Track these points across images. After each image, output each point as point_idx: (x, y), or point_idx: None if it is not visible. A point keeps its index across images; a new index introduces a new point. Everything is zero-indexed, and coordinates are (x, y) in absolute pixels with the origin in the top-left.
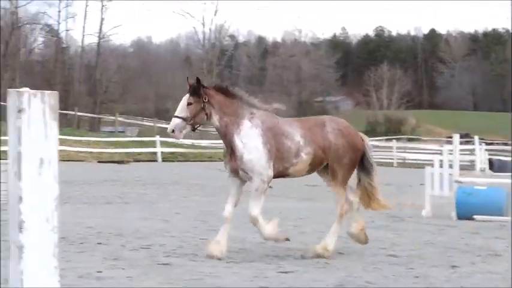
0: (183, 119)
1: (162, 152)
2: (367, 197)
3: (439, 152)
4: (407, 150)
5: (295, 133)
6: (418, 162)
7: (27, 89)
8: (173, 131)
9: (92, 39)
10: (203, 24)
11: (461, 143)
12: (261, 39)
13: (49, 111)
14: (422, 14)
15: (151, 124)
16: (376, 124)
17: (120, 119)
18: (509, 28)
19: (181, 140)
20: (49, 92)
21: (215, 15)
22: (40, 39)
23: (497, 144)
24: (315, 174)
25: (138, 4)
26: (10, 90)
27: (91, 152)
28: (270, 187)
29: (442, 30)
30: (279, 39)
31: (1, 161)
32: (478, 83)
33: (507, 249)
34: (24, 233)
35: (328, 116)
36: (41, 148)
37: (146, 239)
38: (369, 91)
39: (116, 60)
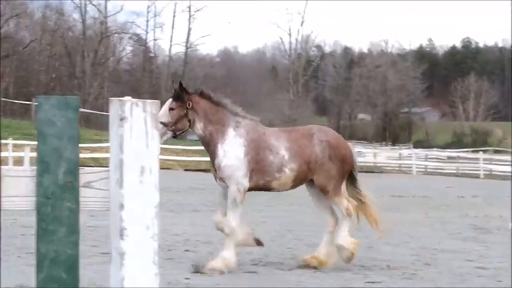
0: (164, 124)
1: None
2: (363, 208)
3: None
4: (493, 162)
5: (280, 146)
6: (505, 174)
7: (129, 98)
8: None
9: (179, 49)
10: (289, 35)
11: None
12: (347, 50)
13: (150, 120)
14: (510, 25)
15: None
16: (463, 136)
17: None
18: None
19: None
20: (150, 101)
21: (301, 25)
22: (128, 49)
23: None
24: None
25: (225, 14)
26: (113, 99)
27: (178, 160)
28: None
29: None
30: (365, 50)
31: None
32: None
33: None
34: (126, 240)
35: (317, 126)
36: (142, 156)
37: None
38: (455, 102)
39: (202, 69)
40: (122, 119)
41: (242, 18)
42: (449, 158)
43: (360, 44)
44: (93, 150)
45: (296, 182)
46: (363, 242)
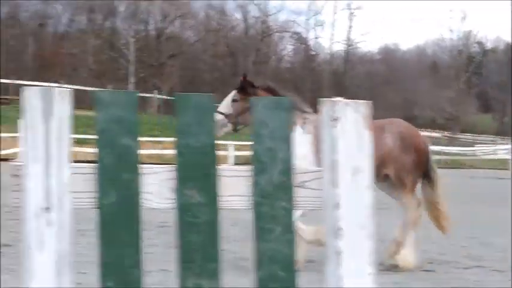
0: (225, 115)
1: None
2: (434, 209)
3: None
4: None
5: None
6: None
7: (340, 98)
8: None
9: (339, 47)
10: (450, 31)
11: None
12: (510, 46)
13: (362, 120)
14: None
15: None
16: None
17: None
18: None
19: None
20: (362, 101)
21: (462, 22)
22: (289, 47)
23: None
24: None
25: (385, 11)
26: (324, 99)
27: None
28: None
29: None
30: None
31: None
32: None
33: None
34: (342, 239)
35: (389, 119)
36: (354, 157)
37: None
38: None
39: (363, 67)
40: (334, 120)
41: (402, 15)
42: None
43: None
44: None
45: None
46: None
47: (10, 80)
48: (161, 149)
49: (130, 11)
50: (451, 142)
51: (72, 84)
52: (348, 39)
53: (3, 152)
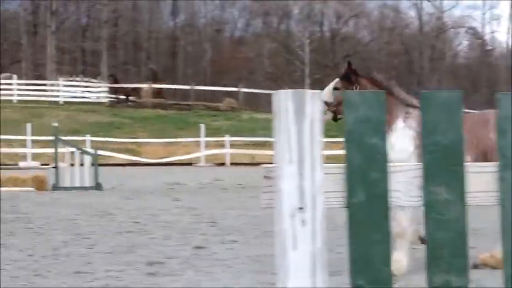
0: (326, 103)
1: None
2: None
3: None
4: None
5: None
6: None
7: None
8: None
9: None
10: None
11: None
12: None
13: None
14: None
15: None
16: None
17: None
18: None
19: None
20: None
21: None
22: (464, 43)
23: None
24: None
25: None
26: (502, 93)
27: None
28: None
29: None
30: None
31: None
32: None
33: None
34: None
35: (494, 110)
36: None
37: None
38: None
39: None
40: None
41: None
42: None
43: None
44: None
45: None
46: None
47: (189, 86)
48: (339, 150)
49: (305, 13)
50: None
51: (249, 87)
52: None
53: (187, 157)
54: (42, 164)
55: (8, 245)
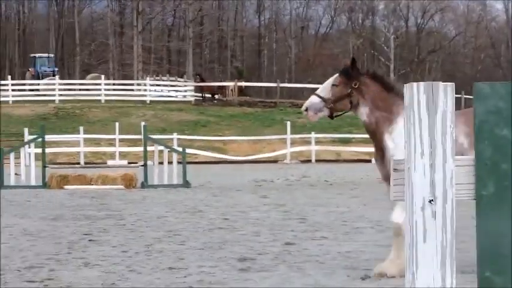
0: (323, 99)
1: None
2: None
3: None
4: None
5: (458, 133)
6: None
7: None
8: (306, 109)
9: None
10: None
11: None
12: None
13: None
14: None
15: None
16: None
17: None
18: None
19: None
20: None
21: None
22: None
23: None
24: None
25: None
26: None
27: None
28: None
29: None
30: None
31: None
32: None
33: None
34: None
35: None
36: None
37: None
38: None
39: None
40: None
41: None
42: None
43: None
44: None
45: None
46: None
47: (274, 84)
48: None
49: (390, 8)
50: None
51: None
52: None
53: (273, 154)
54: (129, 163)
55: (101, 241)
